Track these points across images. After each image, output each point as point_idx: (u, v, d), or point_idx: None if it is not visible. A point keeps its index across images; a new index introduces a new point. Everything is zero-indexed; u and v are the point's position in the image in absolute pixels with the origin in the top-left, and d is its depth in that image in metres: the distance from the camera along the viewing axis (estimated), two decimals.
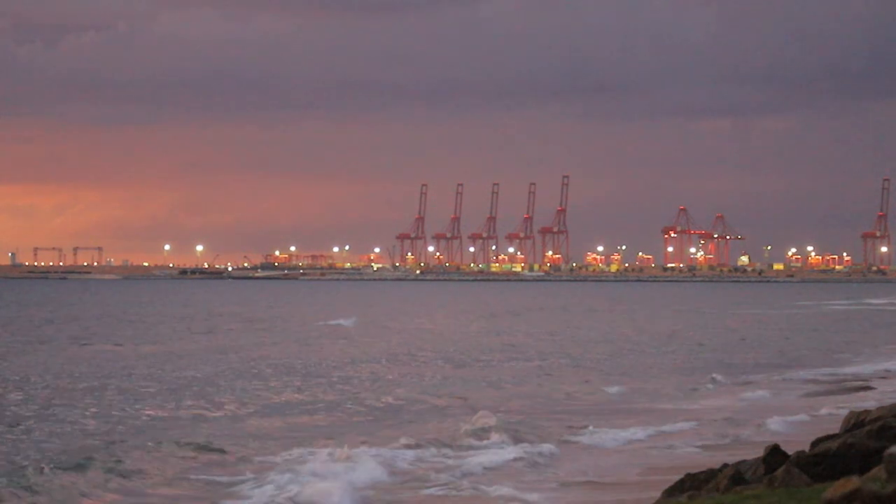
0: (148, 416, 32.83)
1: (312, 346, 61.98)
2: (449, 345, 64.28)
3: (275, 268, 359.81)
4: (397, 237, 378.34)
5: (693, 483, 18.02)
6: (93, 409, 33.87)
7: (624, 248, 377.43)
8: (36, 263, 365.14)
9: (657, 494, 18.82)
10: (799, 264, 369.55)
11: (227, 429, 30.19)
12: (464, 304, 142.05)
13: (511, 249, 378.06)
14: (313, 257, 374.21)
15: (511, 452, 25.93)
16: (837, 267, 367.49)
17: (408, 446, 26.55)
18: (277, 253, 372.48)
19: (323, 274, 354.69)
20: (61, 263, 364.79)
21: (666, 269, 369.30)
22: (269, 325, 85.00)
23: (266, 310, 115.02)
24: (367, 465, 23.71)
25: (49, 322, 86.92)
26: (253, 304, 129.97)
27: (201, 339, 67.55)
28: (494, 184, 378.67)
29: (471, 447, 26.85)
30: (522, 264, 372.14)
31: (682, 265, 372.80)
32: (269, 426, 30.81)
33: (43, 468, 23.26)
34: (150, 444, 26.83)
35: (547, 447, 26.68)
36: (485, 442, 27.41)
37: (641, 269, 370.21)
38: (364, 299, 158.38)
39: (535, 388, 41.84)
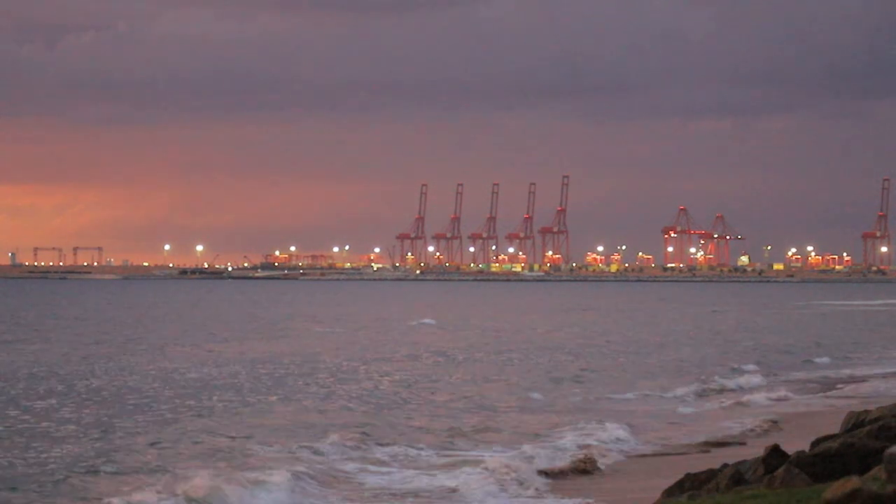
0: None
1: (420, 344, 64.64)
2: (536, 343, 67.04)
3: (275, 268, 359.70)
4: (397, 237, 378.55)
5: (693, 483, 18.03)
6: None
7: (624, 248, 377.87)
8: (36, 263, 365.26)
9: (657, 495, 18.84)
10: (799, 264, 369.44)
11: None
12: (512, 303, 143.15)
13: (511, 249, 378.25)
14: (313, 257, 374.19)
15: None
16: (837, 267, 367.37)
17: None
18: (277, 253, 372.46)
19: (323, 274, 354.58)
20: (61, 263, 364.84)
21: (666, 269, 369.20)
22: (356, 325, 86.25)
23: (333, 310, 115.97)
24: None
25: (144, 321, 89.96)
26: (313, 307, 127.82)
27: (318, 339, 69.28)
28: (494, 184, 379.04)
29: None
30: (523, 264, 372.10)
31: (682, 265, 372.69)
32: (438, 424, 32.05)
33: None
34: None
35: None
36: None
37: (641, 269, 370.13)
38: (408, 299, 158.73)
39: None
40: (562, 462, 25.40)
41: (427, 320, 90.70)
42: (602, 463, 25.57)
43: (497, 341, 68.01)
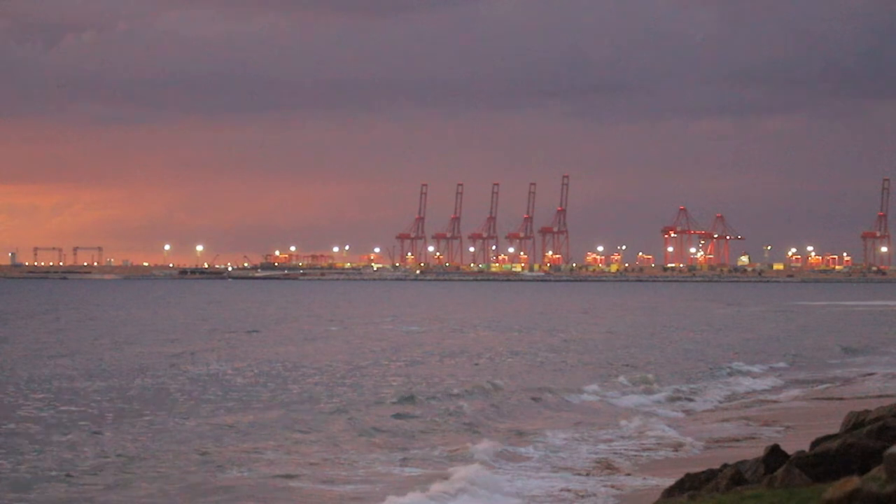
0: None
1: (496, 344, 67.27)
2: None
3: (275, 268, 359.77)
4: (397, 237, 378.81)
5: (693, 483, 18.02)
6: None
7: (624, 248, 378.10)
8: (36, 263, 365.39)
9: (657, 495, 18.84)
10: (799, 264, 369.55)
11: None
12: (542, 304, 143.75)
13: (511, 249, 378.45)
14: (313, 257, 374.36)
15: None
16: (837, 267, 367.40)
17: None
18: (277, 253, 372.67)
19: (323, 274, 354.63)
20: (61, 263, 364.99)
21: (666, 269, 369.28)
22: (426, 324, 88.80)
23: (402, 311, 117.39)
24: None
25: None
26: (362, 307, 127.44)
27: (406, 338, 71.68)
28: (494, 184, 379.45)
29: None
30: (523, 264, 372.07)
31: (682, 265, 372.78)
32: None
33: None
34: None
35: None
36: None
37: (641, 269, 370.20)
38: (435, 300, 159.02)
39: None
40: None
41: (483, 321, 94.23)
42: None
43: (557, 340, 70.47)
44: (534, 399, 38.00)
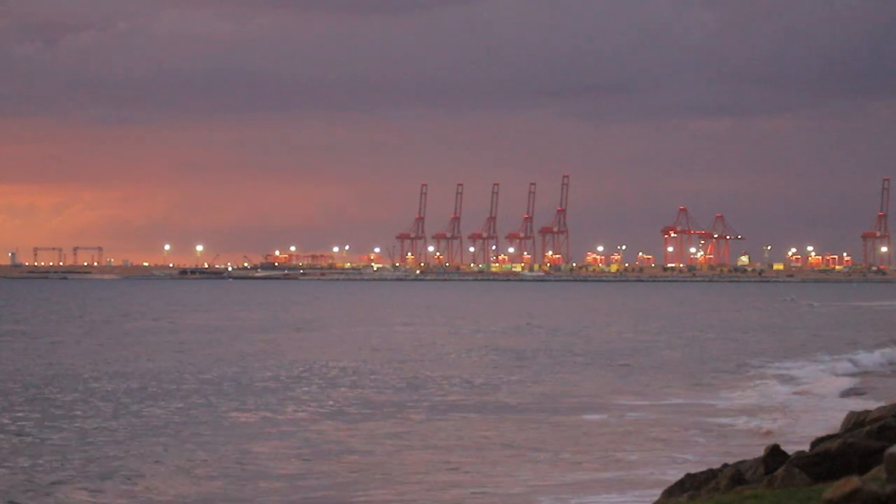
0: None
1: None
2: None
3: (275, 268, 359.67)
4: (397, 237, 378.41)
5: (693, 483, 18.03)
6: None
7: (624, 248, 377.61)
8: (36, 263, 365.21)
9: (657, 495, 18.86)
10: (799, 264, 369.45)
11: None
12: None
13: (511, 249, 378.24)
14: (313, 257, 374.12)
15: None
16: (837, 267, 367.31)
17: None
18: (277, 253, 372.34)
19: (323, 274, 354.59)
20: (61, 263, 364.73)
21: (666, 269, 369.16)
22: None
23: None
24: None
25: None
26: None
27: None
28: (494, 184, 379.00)
29: None
30: (524, 264, 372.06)
31: (682, 265, 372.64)
32: None
33: None
34: None
35: None
36: None
37: (641, 269, 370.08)
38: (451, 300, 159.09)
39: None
40: None
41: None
42: None
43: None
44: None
